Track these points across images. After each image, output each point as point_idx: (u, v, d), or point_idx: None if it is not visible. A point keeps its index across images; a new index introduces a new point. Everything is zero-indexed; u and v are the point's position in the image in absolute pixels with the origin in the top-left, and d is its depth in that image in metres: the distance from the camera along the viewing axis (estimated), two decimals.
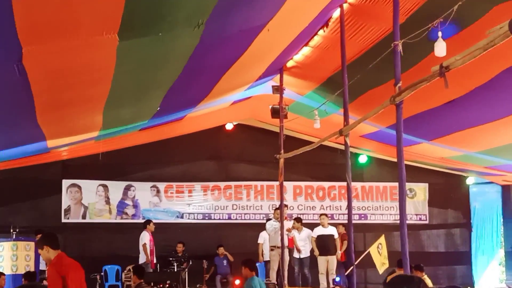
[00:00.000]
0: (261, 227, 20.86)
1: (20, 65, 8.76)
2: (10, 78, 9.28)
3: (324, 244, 19.68)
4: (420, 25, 9.89)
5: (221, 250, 21.43)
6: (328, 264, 19.60)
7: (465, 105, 14.44)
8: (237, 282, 18.77)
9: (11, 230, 17.79)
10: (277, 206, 20.32)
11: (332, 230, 19.93)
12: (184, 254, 20.98)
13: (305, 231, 20.36)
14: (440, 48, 9.46)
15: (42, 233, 19.31)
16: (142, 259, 19.89)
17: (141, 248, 19.94)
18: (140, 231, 21.26)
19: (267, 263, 20.22)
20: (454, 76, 8.54)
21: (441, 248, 24.40)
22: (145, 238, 20.01)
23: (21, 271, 15.84)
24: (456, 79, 9.44)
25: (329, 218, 20.64)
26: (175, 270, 20.21)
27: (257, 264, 20.32)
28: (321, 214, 20.80)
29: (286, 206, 19.68)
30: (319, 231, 19.92)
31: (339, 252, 19.81)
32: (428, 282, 16.58)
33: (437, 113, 15.34)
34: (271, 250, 19.42)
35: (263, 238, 20.49)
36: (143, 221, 22.61)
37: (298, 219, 20.70)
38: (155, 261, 20.19)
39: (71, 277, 8.40)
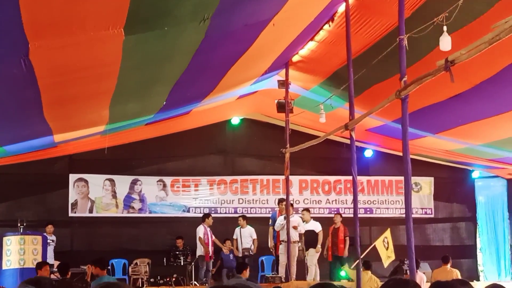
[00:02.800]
0: (267, 221, 20.90)
1: (26, 60, 8.81)
2: (17, 73, 9.34)
3: (306, 239, 19.93)
4: (425, 19, 9.91)
5: (228, 243, 21.47)
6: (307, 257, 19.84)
7: (470, 99, 14.45)
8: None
9: (19, 224, 17.86)
10: (279, 199, 20.46)
11: (312, 225, 20.10)
12: (186, 247, 21.04)
13: (248, 228, 20.65)
14: (446, 42, 9.48)
15: (52, 224, 19.62)
16: (199, 251, 20.26)
17: (198, 241, 20.29)
18: (146, 225, 21.40)
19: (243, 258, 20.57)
20: (459, 70, 8.57)
21: (446, 242, 24.40)
22: (200, 231, 20.29)
23: (29, 265, 15.94)
24: (461, 74, 9.47)
25: (310, 213, 20.74)
26: (182, 264, 20.28)
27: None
28: (303, 209, 20.92)
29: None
30: (305, 226, 20.14)
31: (318, 246, 19.92)
32: (456, 273, 16.89)
33: (442, 107, 15.35)
34: (280, 244, 19.50)
35: (237, 234, 20.82)
36: (149, 215, 22.76)
37: (243, 217, 21.11)
38: (210, 253, 20.31)
39: None
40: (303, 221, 19.99)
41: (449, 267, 17.37)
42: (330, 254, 20.39)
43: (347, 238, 20.22)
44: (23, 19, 7.50)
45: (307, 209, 20.86)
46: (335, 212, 21.43)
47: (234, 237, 20.90)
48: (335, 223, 20.55)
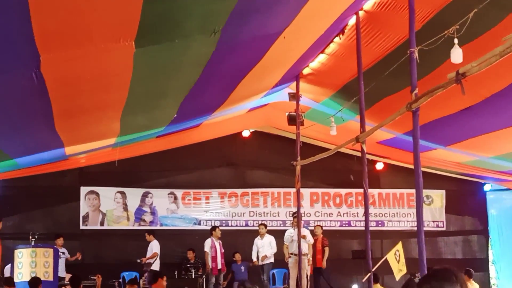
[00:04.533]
0: (278, 233, 20.94)
1: (38, 72, 8.84)
2: (29, 85, 9.37)
3: None
4: (436, 32, 9.89)
5: (238, 256, 21.47)
6: None
7: (481, 112, 14.40)
8: None
9: (30, 237, 17.89)
10: (293, 212, 20.50)
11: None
12: (197, 260, 21.04)
13: (267, 237, 20.65)
14: (457, 55, 9.45)
15: (63, 237, 19.70)
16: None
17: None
18: (157, 238, 21.46)
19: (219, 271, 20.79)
20: (470, 83, 8.55)
21: (458, 255, 24.32)
22: (206, 245, 20.62)
23: (40, 277, 15.91)
24: (472, 86, 9.44)
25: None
26: (193, 277, 20.28)
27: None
28: (260, 224, 21.23)
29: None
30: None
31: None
32: (475, 287, 17.02)
33: (453, 119, 15.30)
34: (289, 257, 19.57)
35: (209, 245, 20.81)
36: (160, 227, 22.76)
37: (263, 225, 21.30)
38: (219, 266, 20.36)
39: None
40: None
41: (473, 282, 17.52)
42: (311, 266, 20.41)
43: (326, 249, 20.36)
44: (34, 32, 7.53)
45: (263, 224, 21.55)
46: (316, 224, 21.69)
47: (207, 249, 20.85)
48: (316, 235, 20.64)
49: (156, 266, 20.38)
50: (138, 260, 20.59)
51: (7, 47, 8.03)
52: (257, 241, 20.75)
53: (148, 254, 20.75)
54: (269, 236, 20.76)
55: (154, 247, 20.65)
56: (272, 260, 20.61)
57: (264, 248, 20.58)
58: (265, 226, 21.19)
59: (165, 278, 14.86)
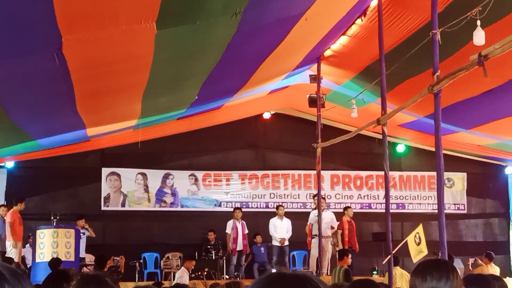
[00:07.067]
0: (298, 215, 21.00)
1: (60, 53, 8.87)
2: (51, 66, 9.41)
3: None
4: (458, 13, 9.84)
5: (258, 238, 21.50)
6: None
7: (503, 94, 14.34)
8: None
9: (52, 218, 18.00)
10: (315, 194, 20.52)
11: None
12: (218, 242, 21.11)
13: (285, 219, 20.74)
14: (479, 36, 9.42)
15: (83, 218, 19.83)
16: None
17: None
18: (178, 219, 21.49)
19: (239, 252, 20.83)
20: (492, 65, 8.50)
21: (479, 238, 24.27)
22: (228, 227, 20.84)
23: (62, 258, 16.05)
24: (494, 68, 9.38)
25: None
26: (213, 258, 20.35)
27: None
28: (279, 205, 21.33)
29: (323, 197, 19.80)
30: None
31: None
32: (495, 269, 17.01)
33: (475, 102, 15.24)
34: (312, 238, 19.57)
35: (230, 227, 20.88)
36: (181, 209, 22.86)
37: (282, 206, 21.38)
38: (240, 248, 20.52)
39: None
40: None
41: (493, 264, 17.58)
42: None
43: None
44: (56, 13, 7.56)
45: (281, 205, 21.51)
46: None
47: (228, 231, 20.96)
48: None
49: None
50: None
51: (29, 28, 8.07)
52: (275, 221, 20.72)
53: (284, 231, 20.93)
54: (286, 219, 20.78)
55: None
56: (287, 243, 20.66)
57: (282, 230, 20.59)
58: (283, 207, 21.26)
59: (350, 255, 15.57)
